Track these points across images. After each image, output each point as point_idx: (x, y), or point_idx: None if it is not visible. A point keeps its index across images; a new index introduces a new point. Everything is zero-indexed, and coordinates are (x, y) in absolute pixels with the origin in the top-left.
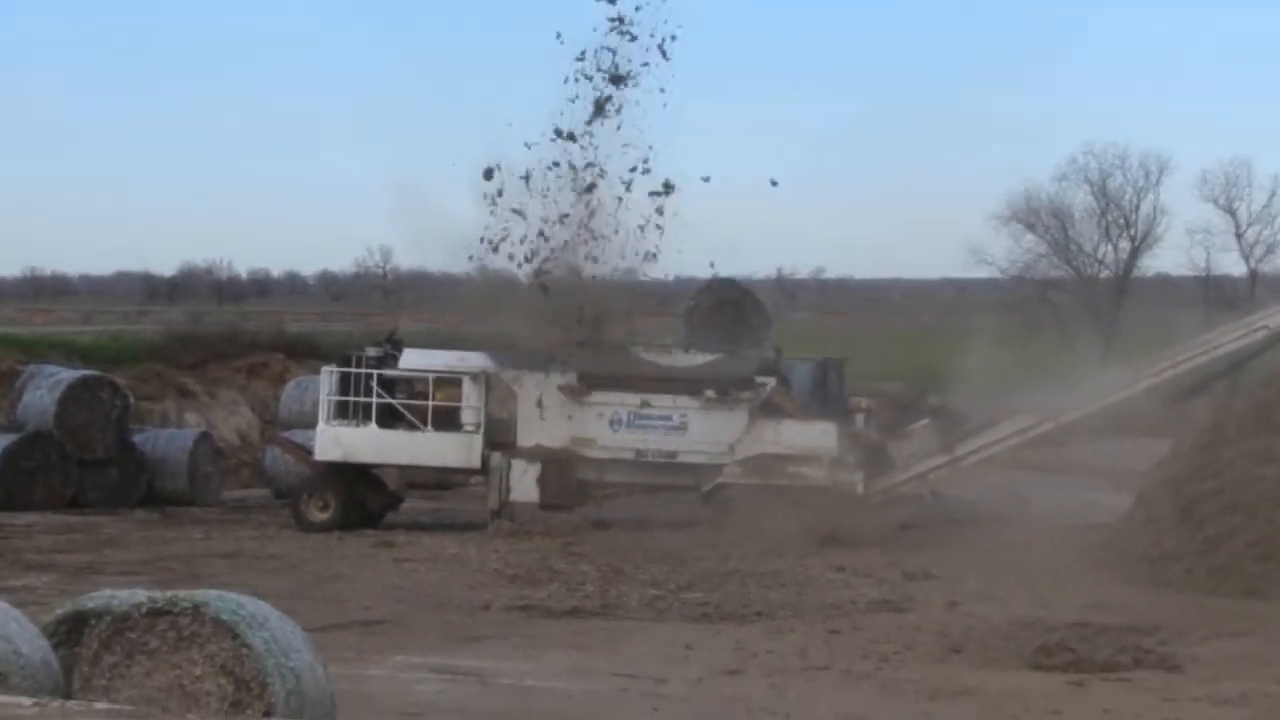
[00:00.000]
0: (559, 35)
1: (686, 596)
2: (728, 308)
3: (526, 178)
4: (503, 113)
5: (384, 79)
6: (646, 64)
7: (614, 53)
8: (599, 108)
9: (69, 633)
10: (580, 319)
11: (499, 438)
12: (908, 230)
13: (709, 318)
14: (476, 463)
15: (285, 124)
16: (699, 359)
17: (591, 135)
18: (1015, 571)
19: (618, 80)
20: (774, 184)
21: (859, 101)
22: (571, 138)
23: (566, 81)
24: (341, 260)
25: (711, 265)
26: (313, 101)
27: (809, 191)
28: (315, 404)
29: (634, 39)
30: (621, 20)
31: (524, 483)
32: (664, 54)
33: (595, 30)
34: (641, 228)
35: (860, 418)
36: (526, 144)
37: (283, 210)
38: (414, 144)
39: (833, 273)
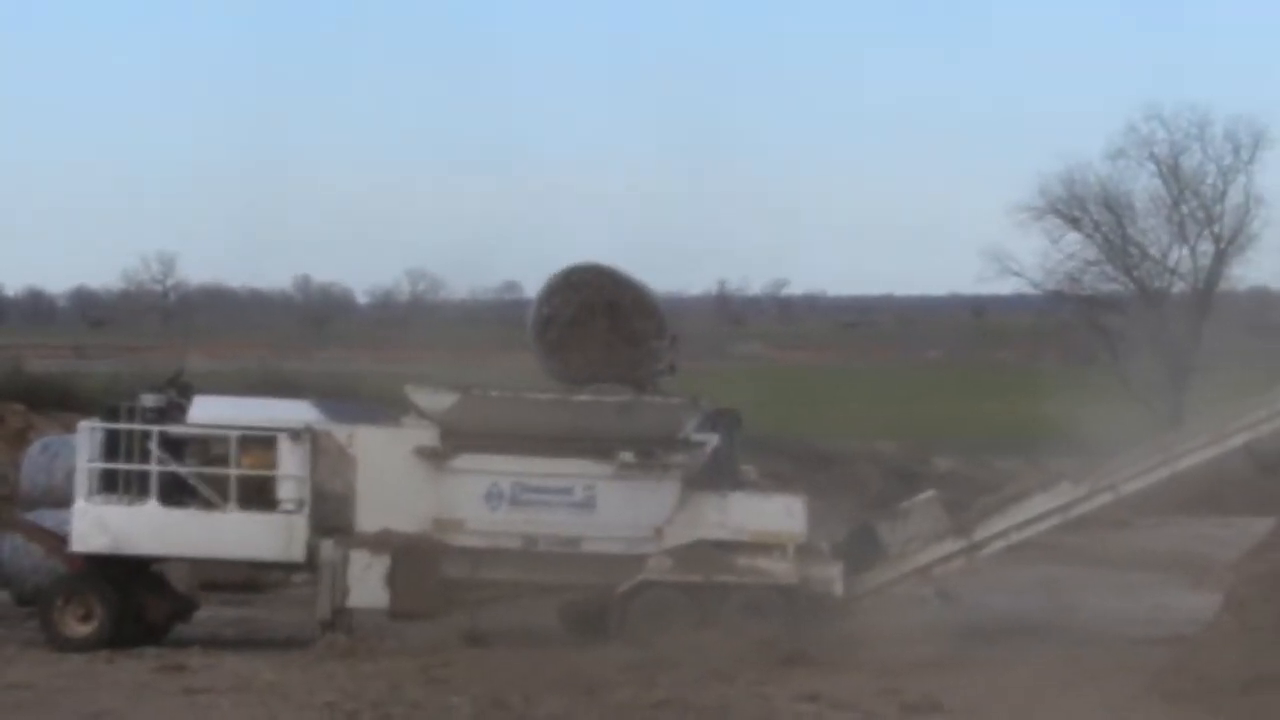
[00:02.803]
0: None
1: None
2: (598, 315)
3: None
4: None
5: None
6: None
7: None
8: None
9: None
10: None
11: (331, 519)
12: (903, 229)
13: (573, 332)
14: (300, 554)
15: (29, 102)
16: (610, 402)
17: None
18: (1057, 702)
19: None
20: None
21: (831, 47)
22: None
23: None
24: (105, 273)
25: None
26: (71, 74)
27: (762, 174)
28: (70, 474)
29: None
30: None
31: (367, 582)
32: None
33: None
34: None
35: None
36: None
37: (20, 211)
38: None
39: (798, 287)
